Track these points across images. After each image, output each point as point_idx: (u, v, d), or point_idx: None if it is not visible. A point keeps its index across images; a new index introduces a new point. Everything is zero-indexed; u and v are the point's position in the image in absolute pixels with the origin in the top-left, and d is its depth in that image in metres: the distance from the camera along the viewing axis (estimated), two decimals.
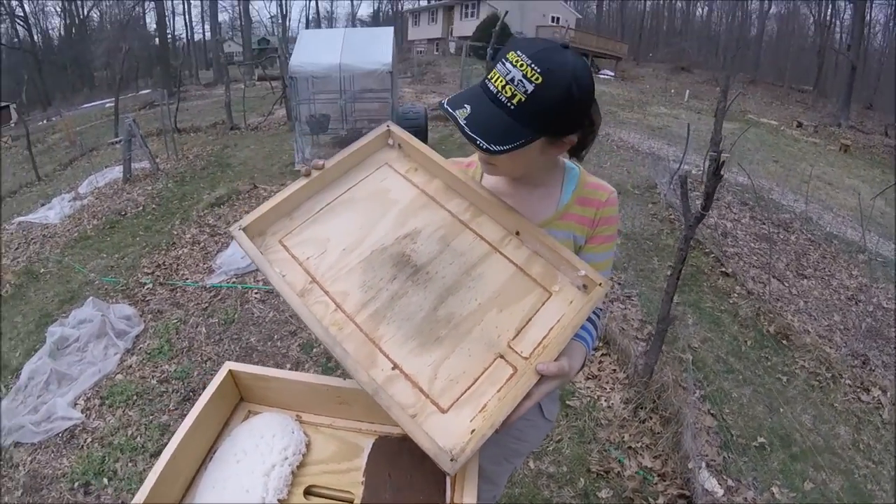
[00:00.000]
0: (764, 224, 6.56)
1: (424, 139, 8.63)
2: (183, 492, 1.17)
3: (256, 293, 4.92)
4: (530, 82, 1.09)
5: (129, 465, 3.15)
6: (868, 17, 32.42)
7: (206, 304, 4.78)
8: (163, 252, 5.89)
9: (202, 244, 6.04)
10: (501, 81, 1.12)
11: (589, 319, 1.41)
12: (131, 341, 4.26)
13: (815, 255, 6.63)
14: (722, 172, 2.74)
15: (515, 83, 1.10)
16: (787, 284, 5.54)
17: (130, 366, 3.98)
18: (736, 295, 5.10)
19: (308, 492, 1.18)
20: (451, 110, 1.15)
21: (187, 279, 5.24)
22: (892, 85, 31.72)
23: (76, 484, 3.05)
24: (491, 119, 1.13)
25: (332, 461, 1.25)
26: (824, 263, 6.47)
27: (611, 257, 1.43)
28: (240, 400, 1.39)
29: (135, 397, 3.66)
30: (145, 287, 5.10)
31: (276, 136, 11.66)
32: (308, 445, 1.26)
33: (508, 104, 1.11)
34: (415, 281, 1.19)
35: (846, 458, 3.61)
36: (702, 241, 5.84)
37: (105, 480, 3.06)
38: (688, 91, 25.27)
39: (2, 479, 3.15)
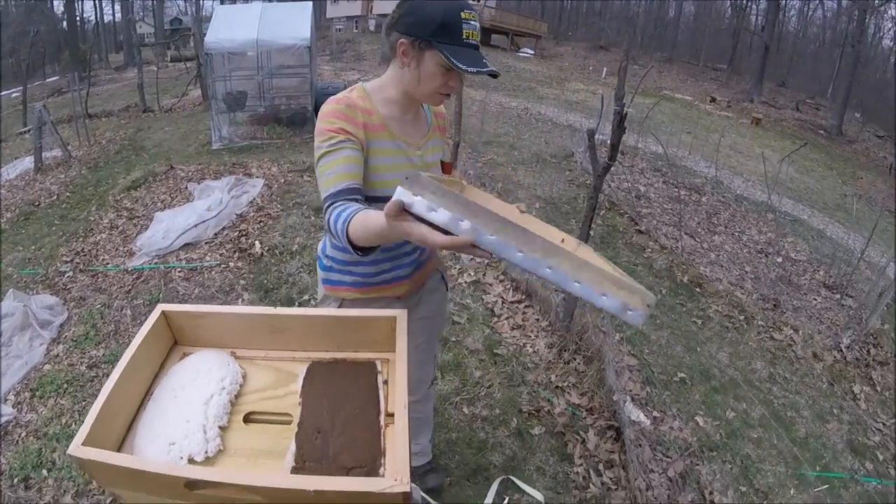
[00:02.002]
0: (677, 188, 7.00)
1: None
2: (123, 433, 1.20)
3: (180, 272, 4.90)
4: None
5: (67, 453, 3.14)
6: (783, 1, 34.53)
7: (130, 287, 4.75)
8: (81, 239, 5.79)
9: (120, 228, 5.95)
10: (476, 35, 1.53)
11: None
12: (56, 330, 4.19)
13: (726, 214, 7.13)
14: (625, 125, 3.00)
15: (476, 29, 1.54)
16: (698, 240, 5.95)
17: (58, 355, 3.93)
18: (650, 250, 5.43)
19: (247, 419, 1.23)
20: (481, 70, 1.49)
21: (108, 264, 5.19)
22: (804, 64, 33.96)
23: (15, 480, 2.99)
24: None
25: (269, 389, 1.30)
26: (734, 222, 6.97)
27: None
28: (174, 343, 1.42)
29: (65, 385, 3.61)
30: (66, 275, 5.01)
31: (191, 116, 11.44)
32: (245, 377, 1.32)
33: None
34: None
35: (764, 389, 3.97)
36: (617, 202, 6.19)
37: (44, 472, 3.02)
38: (605, 69, 26.18)
39: None
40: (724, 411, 3.64)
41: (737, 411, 3.68)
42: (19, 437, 3.29)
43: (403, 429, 1.06)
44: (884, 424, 4.25)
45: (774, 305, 5.05)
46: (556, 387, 3.35)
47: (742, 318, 4.70)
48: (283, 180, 6.53)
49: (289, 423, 1.22)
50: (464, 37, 1.51)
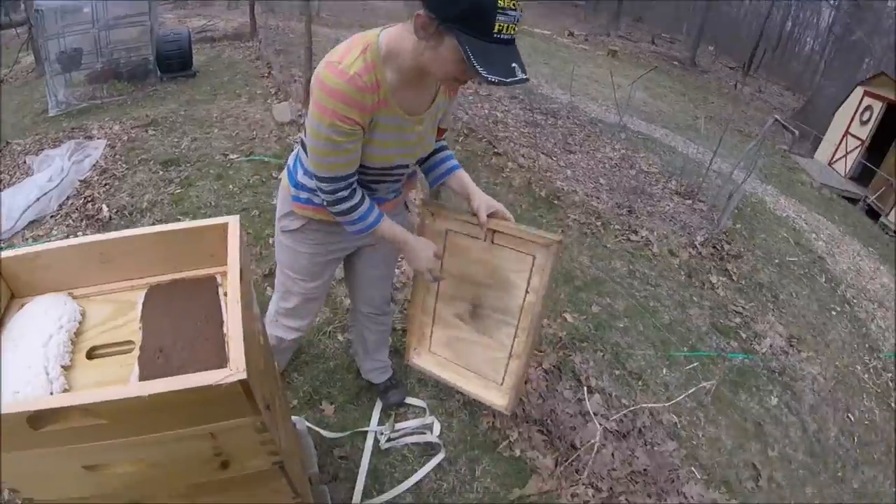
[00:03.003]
0: (533, 113, 7.26)
1: (189, 61, 8.29)
2: None
3: None
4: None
5: None
6: None
7: None
8: None
9: None
10: (513, 28, 1.34)
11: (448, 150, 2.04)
12: None
13: (581, 135, 7.49)
14: None
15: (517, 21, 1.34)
16: (555, 159, 6.25)
17: None
18: (508, 170, 5.64)
19: (90, 354, 1.23)
20: (513, 80, 1.35)
21: None
22: (662, 2, 35.60)
23: None
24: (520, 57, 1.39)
25: (109, 321, 1.30)
26: (589, 141, 7.34)
27: None
28: (11, 297, 1.37)
29: None
30: None
31: (25, 85, 10.50)
32: (83, 314, 1.30)
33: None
34: None
35: (626, 285, 4.26)
36: (475, 129, 6.37)
37: None
38: None
39: None
40: (589, 307, 3.89)
41: (602, 306, 3.94)
42: None
43: (237, 323, 1.08)
44: (743, 308, 4.68)
45: (629, 211, 5.41)
46: None
47: (599, 223, 5.01)
48: (126, 138, 6.20)
49: (131, 349, 1.22)
50: (495, 30, 1.31)
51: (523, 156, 5.99)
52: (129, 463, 1.12)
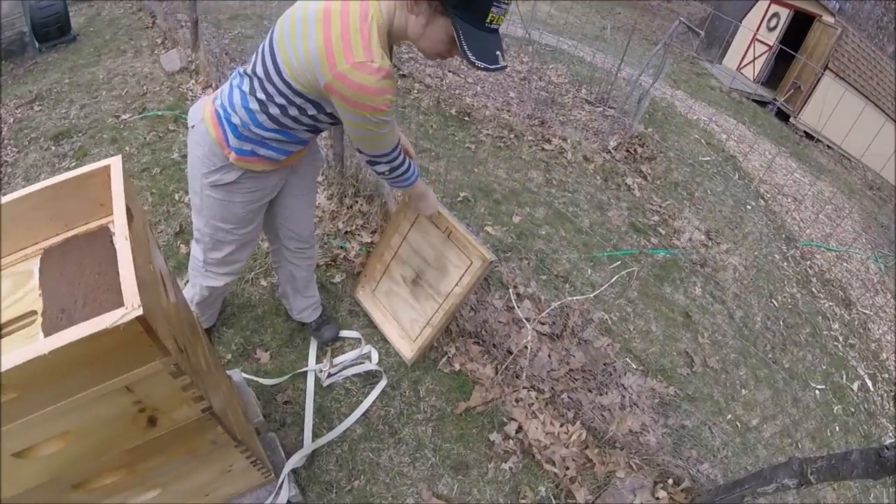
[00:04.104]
0: None
1: (67, 26, 7.81)
2: None
3: None
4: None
5: None
6: None
7: None
8: None
9: None
10: (502, 19, 1.50)
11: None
12: None
13: None
14: None
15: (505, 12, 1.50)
16: (462, 77, 6.23)
17: None
18: (416, 91, 5.61)
19: None
20: (497, 67, 1.51)
21: None
22: None
23: None
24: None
25: (8, 297, 1.22)
26: None
27: None
28: None
29: None
30: None
31: None
32: None
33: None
34: None
35: (543, 193, 4.34)
36: None
37: None
38: None
39: None
40: (510, 218, 3.96)
41: (522, 216, 4.02)
42: None
43: (127, 261, 1.04)
44: (660, 206, 4.85)
45: (541, 123, 5.48)
46: (346, 232, 3.46)
47: (512, 136, 5.07)
48: (12, 120, 5.87)
49: (35, 320, 1.17)
50: (488, 20, 1.45)
51: (429, 76, 5.95)
52: (56, 439, 1.09)
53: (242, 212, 2.01)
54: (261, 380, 2.62)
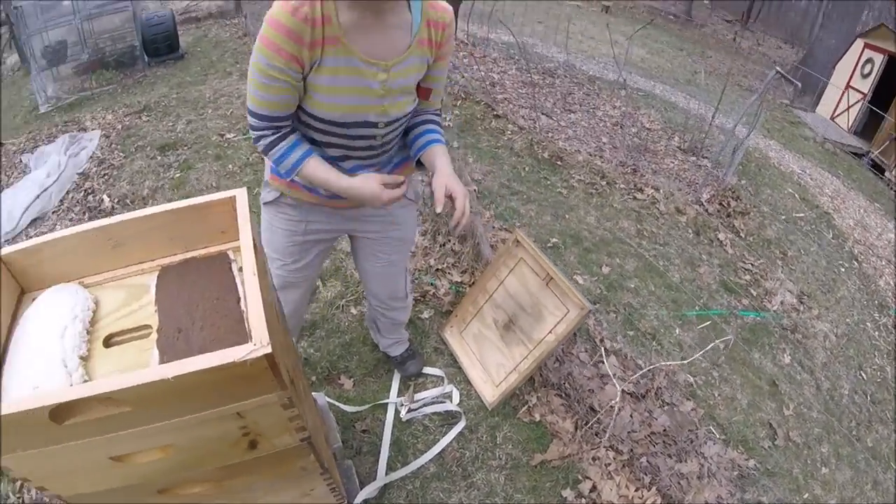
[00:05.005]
0: (530, 73, 7.18)
1: (176, 44, 8.23)
2: None
3: None
4: None
5: None
6: None
7: None
8: None
9: None
10: None
11: (438, 123, 1.79)
12: None
13: (580, 93, 7.42)
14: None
15: None
16: (555, 119, 6.19)
17: None
18: (509, 132, 5.60)
19: (107, 342, 1.21)
20: None
21: None
22: None
23: None
24: None
25: (123, 307, 1.27)
26: (589, 100, 7.28)
27: (447, 68, 1.72)
28: (21, 292, 1.35)
29: None
30: None
31: (12, 85, 10.44)
32: (97, 303, 1.28)
33: None
34: None
35: (634, 244, 4.24)
36: (472, 92, 6.30)
37: None
38: None
39: None
40: (599, 268, 3.89)
41: (612, 266, 3.94)
42: None
43: (256, 297, 1.06)
44: (752, 265, 4.68)
45: (633, 170, 5.38)
46: (437, 269, 3.47)
47: (604, 183, 4.99)
48: (120, 126, 6.20)
49: (149, 334, 1.21)
50: None
51: (523, 117, 5.94)
52: (157, 450, 1.12)
53: (284, 242, 1.95)
54: (343, 406, 2.64)
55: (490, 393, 2.78)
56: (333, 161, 1.70)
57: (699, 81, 11.25)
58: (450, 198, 1.63)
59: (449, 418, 2.70)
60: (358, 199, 1.69)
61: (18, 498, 2.76)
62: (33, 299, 1.32)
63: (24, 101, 8.73)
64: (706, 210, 5.18)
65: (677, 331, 3.66)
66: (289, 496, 1.58)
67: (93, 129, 6.26)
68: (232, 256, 1.33)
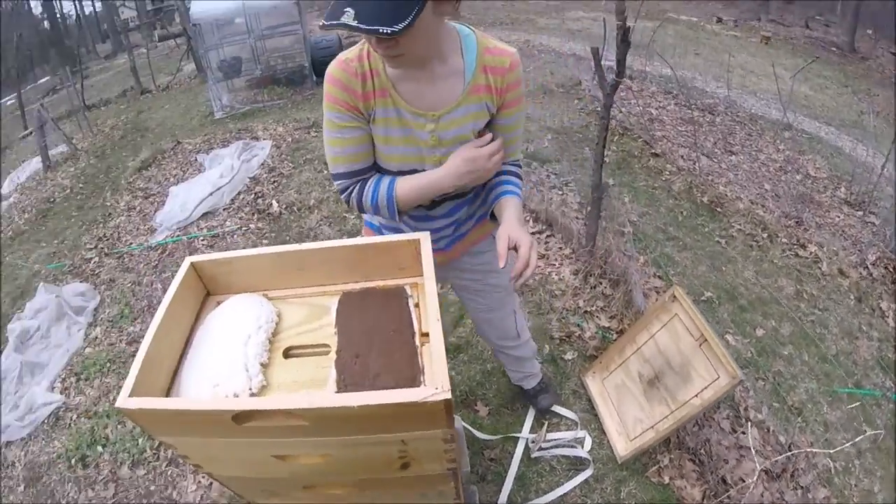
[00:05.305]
0: (689, 109, 6.92)
1: None
2: (168, 382, 1.25)
3: (203, 240, 5.05)
4: None
5: (119, 427, 3.28)
6: None
7: (156, 262, 4.91)
8: (101, 225, 5.92)
9: (138, 208, 6.07)
10: None
11: (515, 174, 1.70)
12: (91, 315, 4.35)
13: (742, 133, 7.05)
14: (629, 39, 2.92)
15: None
16: (715, 161, 5.91)
17: (96, 337, 4.08)
18: (668, 172, 5.40)
19: (287, 354, 1.30)
20: (332, 23, 1.17)
21: (131, 244, 5.32)
22: None
23: (73, 460, 3.14)
24: (377, 7, 1.16)
25: (304, 324, 1.37)
26: (751, 141, 6.90)
27: (523, 116, 1.64)
28: (207, 294, 1.47)
29: (108, 364, 3.77)
30: (92, 261, 5.16)
31: (188, 91, 11.43)
32: (279, 315, 1.38)
33: None
34: None
35: (791, 307, 3.97)
36: (630, 127, 6.13)
37: (99, 448, 3.17)
38: None
39: (0, 481, 3.22)
40: (752, 329, 3.67)
41: (766, 329, 3.71)
42: (71, 420, 3.44)
43: (439, 341, 1.11)
44: None
45: (797, 223, 5.05)
46: (585, 311, 3.41)
47: (765, 235, 4.71)
48: (290, 139, 6.57)
49: (327, 352, 1.28)
50: None
51: (682, 157, 5.71)
52: (317, 456, 1.19)
53: None
54: (476, 432, 2.66)
55: (623, 446, 2.67)
56: (417, 220, 1.73)
57: (865, 123, 10.47)
58: (514, 248, 1.48)
59: (577, 463, 2.65)
60: (459, 175, 1.52)
61: (154, 454, 2.99)
62: (217, 302, 1.45)
63: (201, 107, 9.44)
64: (870, 274, 4.77)
65: (825, 408, 3.39)
66: None
67: (264, 139, 6.71)
68: (408, 292, 1.38)
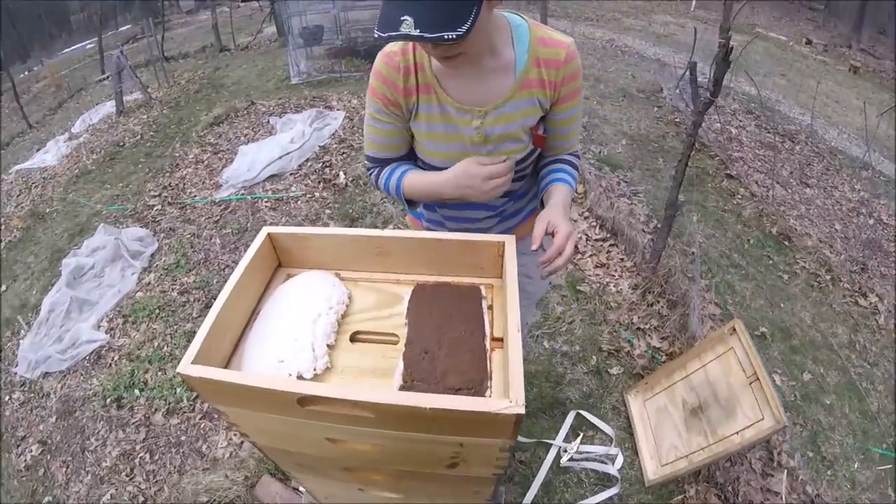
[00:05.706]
0: (769, 133, 6.69)
1: None
2: (230, 351, 1.25)
3: (266, 202, 5.11)
4: None
5: (159, 373, 3.37)
6: None
7: (218, 217, 4.99)
8: (167, 174, 6.04)
9: (206, 162, 6.17)
10: None
11: (570, 163, 1.59)
12: (147, 260, 4.47)
13: (819, 166, 6.79)
14: (729, 59, 2.80)
15: None
16: (790, 191, 5.71)
17: (149, 283, 4.19)
18: (739, 196, 5.26)
19: (354, 338, 1.28)
20: (390, 34, 1.10)
21: (195, 196, 5.43)
22: None
23: (108, 400, 3.25)
24: (434, 11, 1.08)
25: (374, 309, 1.34)
26: (828, 175, 6.64)
27: (580, 109, 1.54)
28: (278, 265, 1.47)
29: (157, 311, 3.86)
30: (154, 209, 5.28)
31: (267, 53, 11.52)
32: (350, 298, 1.35)
33: None
34: None
35: (843, 356, 3.85)
36: (707, 144, 5.97)
37: (136, 392, 3.28)
38: (694, 1, 24.79)
39: (33, 409, 3.35)
40: (800, 373, 3.58)
41: (813, 374, 3.61)
42: (112, 360, 3.54)
43: (518, 352, 1.06)
44: None
45: (862, 269, 4.87)
46: (638, 328, 3.36)
47: (829, 277, 4.55)
48: (363, 112, 6.53)
49: (395, 343, 1.26)
50: None
51: (756, 182, 5.53)
52: (370, 444, 1.16)
53: None
54: None
55: (653, 470, 2.65)
56: (455, 208, 1.67)
57: None
58: (552, 235, 1.33)
59: (605, 479, 2.63)
60: (457, 186, 1.41)
61: (190, 405, 3.06)
62: (288, 275, 1.45)
63: (278, 70, 9.51)
64: None
65: (856, 465, 3.29)
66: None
67: (338, 110, 6.70)
68: (483, 293, 1.34)
